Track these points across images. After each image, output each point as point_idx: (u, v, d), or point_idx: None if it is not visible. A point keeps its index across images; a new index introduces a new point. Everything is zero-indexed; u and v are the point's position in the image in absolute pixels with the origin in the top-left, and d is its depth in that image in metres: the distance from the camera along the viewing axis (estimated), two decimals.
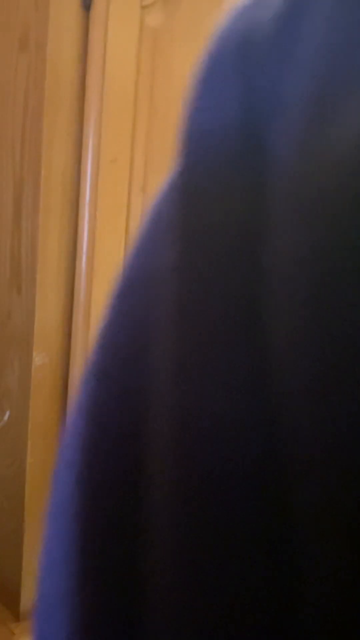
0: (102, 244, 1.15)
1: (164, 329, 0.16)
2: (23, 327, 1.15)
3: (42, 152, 1.08)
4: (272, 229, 0.14)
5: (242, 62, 0.17)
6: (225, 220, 0.15)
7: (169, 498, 0.15)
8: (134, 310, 0.17)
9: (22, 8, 1.08)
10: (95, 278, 1.15)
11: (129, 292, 0.18)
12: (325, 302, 0.13)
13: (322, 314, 0.13)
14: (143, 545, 0.15)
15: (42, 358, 1.14)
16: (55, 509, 0.19)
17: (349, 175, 0.13)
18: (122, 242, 1.18)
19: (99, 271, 1.15)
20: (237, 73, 0.17)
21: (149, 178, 1.20)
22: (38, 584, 0.19)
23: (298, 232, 0.14)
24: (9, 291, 1.17)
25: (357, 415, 0.12)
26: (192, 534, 0.14)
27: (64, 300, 1.15)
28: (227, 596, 0.14)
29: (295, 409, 0.13)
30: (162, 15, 1.16)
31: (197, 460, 0.14)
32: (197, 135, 0.17)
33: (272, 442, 0.14)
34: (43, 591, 0.19)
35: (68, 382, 1.17)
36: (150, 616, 0.15)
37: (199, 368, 0.15)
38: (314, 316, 0.13)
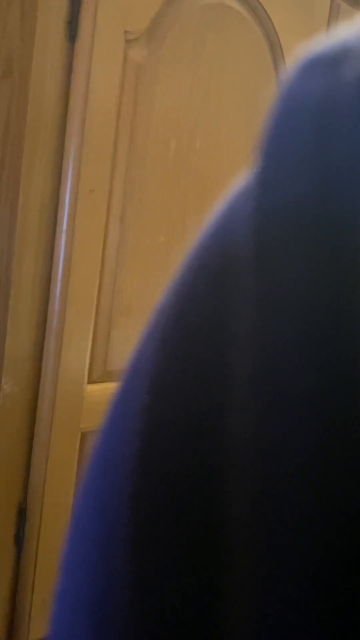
0: (78, 273, 1.14)
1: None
2: None
3: (20, 179, 1.07)
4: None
5: (321, 130, 0.16)
6: (306, 298, 0.15)
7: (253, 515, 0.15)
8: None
9: (7, 36, 1.09)
10: (69, 307, 1.14)
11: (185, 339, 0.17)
12: None
13: None
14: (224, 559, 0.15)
15: (10, 386, 1.13)
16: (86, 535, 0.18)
17: None
18: (97, 271, 1.18)
19: (73, 300, 1.14)
20: (315, 143, 0.16)
21: (127, 209, 1.20)
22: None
23: None
24: None
25: None
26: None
27: (36, 328, 1.13)
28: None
29: None
30: (145, 50, 1.18)
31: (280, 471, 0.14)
32: (269, 210, 0.16)
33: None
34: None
35: (37, 411, 1.15)
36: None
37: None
38: None
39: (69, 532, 0.19)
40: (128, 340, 1.24)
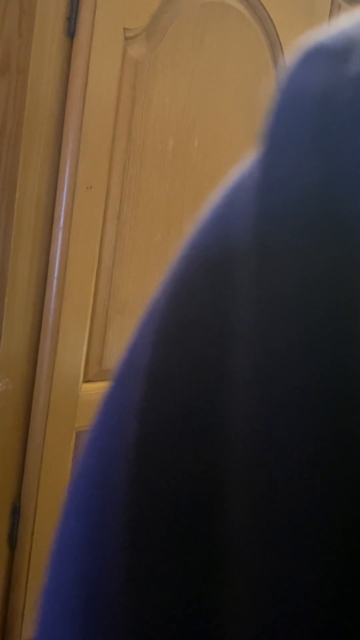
0: (74, 270, 1.14)
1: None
2: None
3: (17, 176, 1.07)
4: None
5: (323, 124, 0.15)
6: (308, 294, 0.15)
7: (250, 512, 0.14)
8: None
9: (5, 32, 1.08)
10: (65, 305, 1.13)
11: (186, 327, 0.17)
12: None
13: None
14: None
15: (5, 384, 1.12)
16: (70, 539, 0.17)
17: None
18: (94, 269, 1.17)
19: (69, 298, 1.14)
20: (315, 137, 0.16)
21: (124, 207, 1.19)
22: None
23: None
24: None
25: None
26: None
27: (32, 325, 1.13)
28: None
29: None
30: (144, 47, 1.17)
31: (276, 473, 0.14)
32: (270, 204, 0.16)
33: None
34: None
35: (31, 409, 1.15)
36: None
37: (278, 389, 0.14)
38: None
39: (57, 531, 0.18)
40: (124, 339, 1.23)
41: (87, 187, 1.13)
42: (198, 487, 0.15)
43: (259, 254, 0.15)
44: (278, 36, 1.35)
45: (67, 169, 1.11)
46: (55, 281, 1.12)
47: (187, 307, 0.17)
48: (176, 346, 0.16)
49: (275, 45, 1.36)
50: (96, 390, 1.21)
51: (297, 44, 0.17)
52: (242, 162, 0.18)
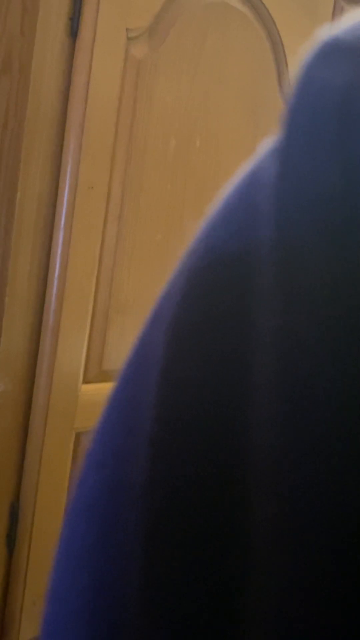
0: (74, 270, 1.13)
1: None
2: None
3: (19, 175, 1.06)
4: None
5: (343, 122, 0.15)
6: (330, 295, 0.14)
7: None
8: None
9: (7, 31, 1.08)
10: (65, 305, 1.13)
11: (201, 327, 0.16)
12: None
13: None
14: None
15: (4, 384, 1.12)
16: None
17: None
18: (94, 269, 1.17)
19: (69, 298, 1.13)
20: (337, 134, 0.15)
21: (125, 206, 1.19)
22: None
23: None
24: None
25: None
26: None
27: (32, 325, 1.12)
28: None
29: None
30: (146, 47, 1.17)
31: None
32: (291, 203, 0.15)
33: None
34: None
35: (31, 410, 1.14)
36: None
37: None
38: None
39: (62, 533, 0.18)
40: (124, 340, 1.23)
41: (89, 187, 1.13)
42: (216, 486, 0.15)
43: (280, 253, 0.15)
44: (280, 37, 1.34)
45: (69, 168, 1.10)
46: (55, 281, 1.12)
47: (203, 303, 0.16)
48: (193, 342, 0.16)
49: (277, 46, 1.36)
50: (96, 391, 1.20)
51: (312, 38, 0.17)
52: (254, 155, 0.17)
